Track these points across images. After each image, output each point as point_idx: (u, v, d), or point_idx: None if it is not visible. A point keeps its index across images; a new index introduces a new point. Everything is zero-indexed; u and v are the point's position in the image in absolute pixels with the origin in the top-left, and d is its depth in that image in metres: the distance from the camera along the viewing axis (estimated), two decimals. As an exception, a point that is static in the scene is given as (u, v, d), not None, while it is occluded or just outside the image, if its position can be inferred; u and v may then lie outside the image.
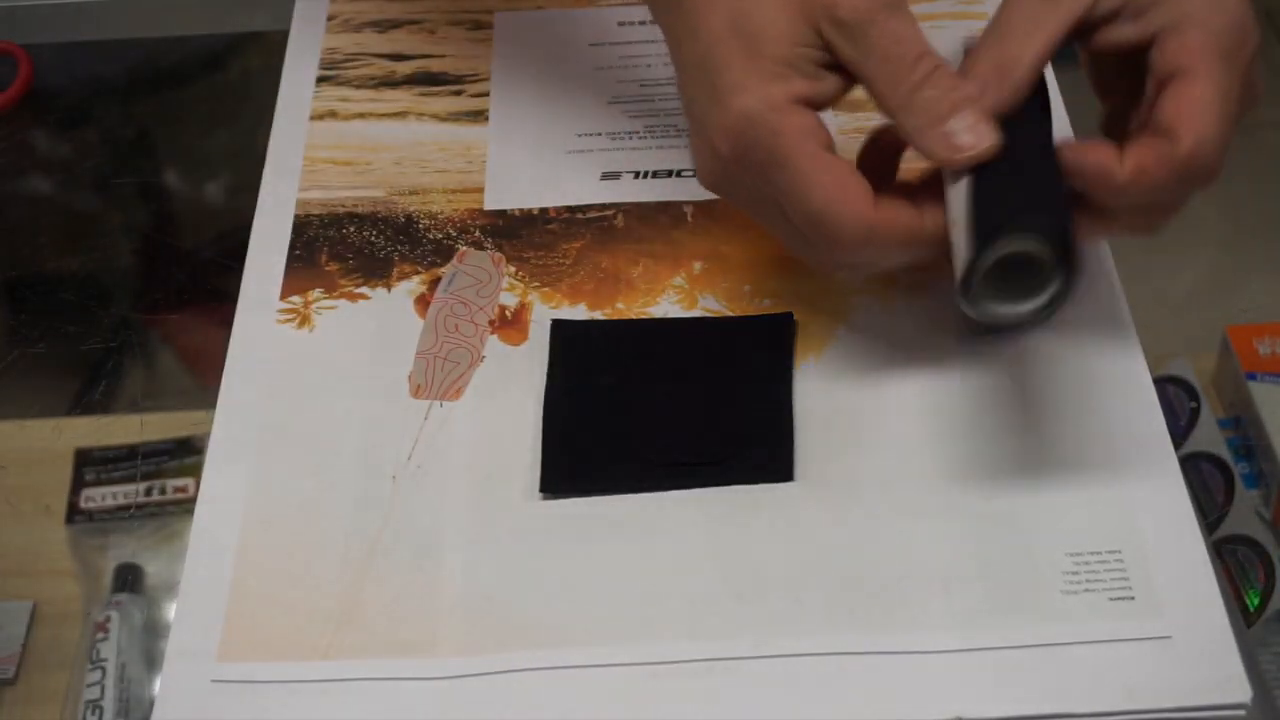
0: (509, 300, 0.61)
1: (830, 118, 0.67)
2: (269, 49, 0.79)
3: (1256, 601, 0.61)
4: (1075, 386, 0.57)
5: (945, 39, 0.70)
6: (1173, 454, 0.55)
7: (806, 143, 0.51)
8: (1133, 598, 0.51)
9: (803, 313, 0.60)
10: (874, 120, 0.67)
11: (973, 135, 0.50)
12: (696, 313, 0.60)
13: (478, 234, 0.64)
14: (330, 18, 0.74)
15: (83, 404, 0.68)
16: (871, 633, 0.51)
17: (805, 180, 0.51)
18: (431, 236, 0.64)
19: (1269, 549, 0.62)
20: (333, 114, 0.69)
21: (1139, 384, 0.57)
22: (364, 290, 0.62)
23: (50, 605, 0.61)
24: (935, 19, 0.71)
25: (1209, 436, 0.65)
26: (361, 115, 0.69)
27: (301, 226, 0.65)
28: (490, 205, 0.65)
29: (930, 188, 0.53)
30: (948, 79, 0.51)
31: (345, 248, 0.64)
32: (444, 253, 0.63)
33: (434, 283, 0.62)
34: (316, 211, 0.65)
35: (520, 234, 0.64)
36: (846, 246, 0.51)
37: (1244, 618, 0.60)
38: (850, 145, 0.66)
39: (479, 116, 0.69)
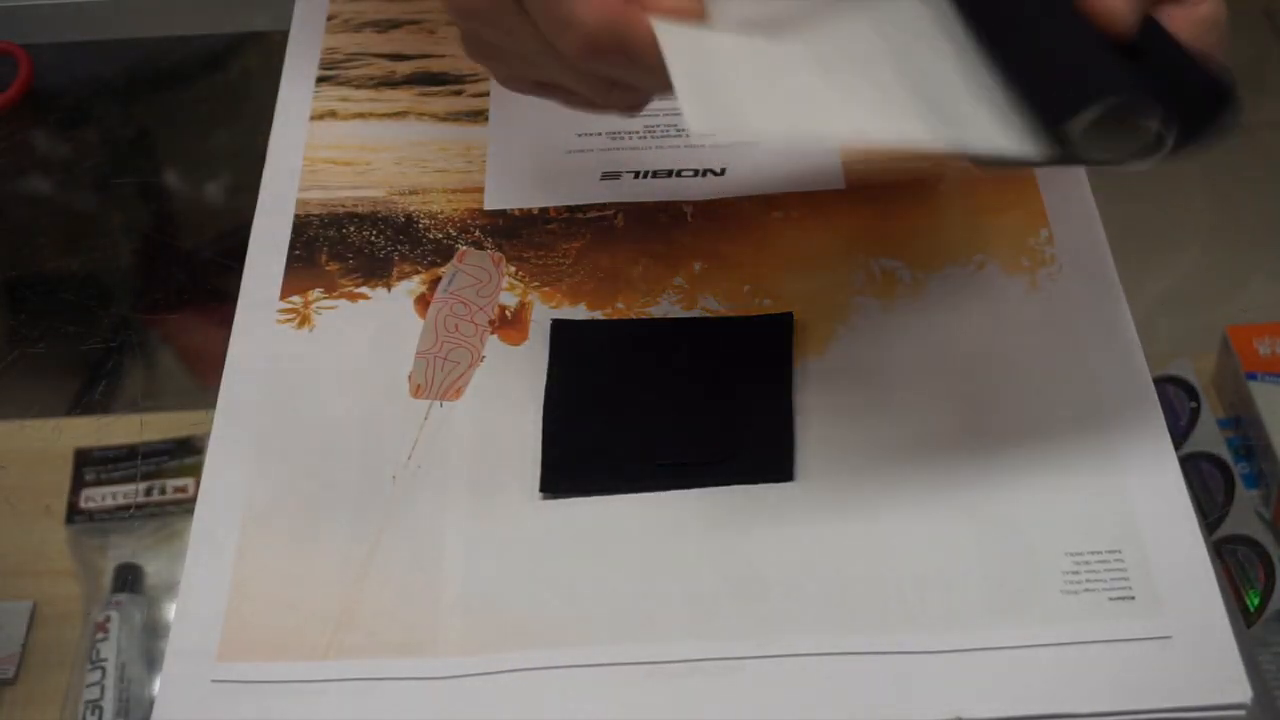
0: (509, 300, 0.61)
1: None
2: (269, 49, 0.79)
3: (1256, 601, 0.61)
4: (1075, 386, 0.57)
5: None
6: (1173, 454, 0.55)
7: None
8: (1133, 598, 0.51)
9: (803, 313, 0.60)
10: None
11: None
12: (696, 313, 0.60)
13: (478, 234, 0.64)
14: (330, 18, 0.74)
15: (83, 404, 0.68)
16: (871, 633, 0.51)
17: None
18: (431, 236, 0.64)
19: (1269, 549, 0.62)
20: (333, 114, 0.69)
21: (1139, 384, 0.57)
22: (364, 290, 0.62)
23: (50, 605, 0.61)
24: (935, 19, 0.71)
25: (1209, 436, 0.65)
26: (361, 115, 0.69)
27: (301, 226, 0.65)
28: (490, 205, 0.65)
29: None
30: None
31: (345, 248, 0.64)
32: (444, 253, 0.63)
33: (434, 283, 0.62)
34: (316, 211, 0.65)
35: (520, 234, 0.64)
36: (582, 33, 0.45)
37: (1244, 618, 0.60)
38: (851, 145, 0.66)
39: (479, 116, 0.69)
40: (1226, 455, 0.65)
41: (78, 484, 0.65)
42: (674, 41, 0.45)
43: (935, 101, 0.46)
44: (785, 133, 0.43)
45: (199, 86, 0.83)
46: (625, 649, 0.51)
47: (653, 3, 0.46)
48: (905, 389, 0.57)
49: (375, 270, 0.63)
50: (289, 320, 0.61)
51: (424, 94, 0.70)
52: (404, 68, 0.71)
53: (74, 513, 0.64)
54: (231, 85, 0.83)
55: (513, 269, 0.62)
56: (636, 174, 0.66)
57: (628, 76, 0.48)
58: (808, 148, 0.43)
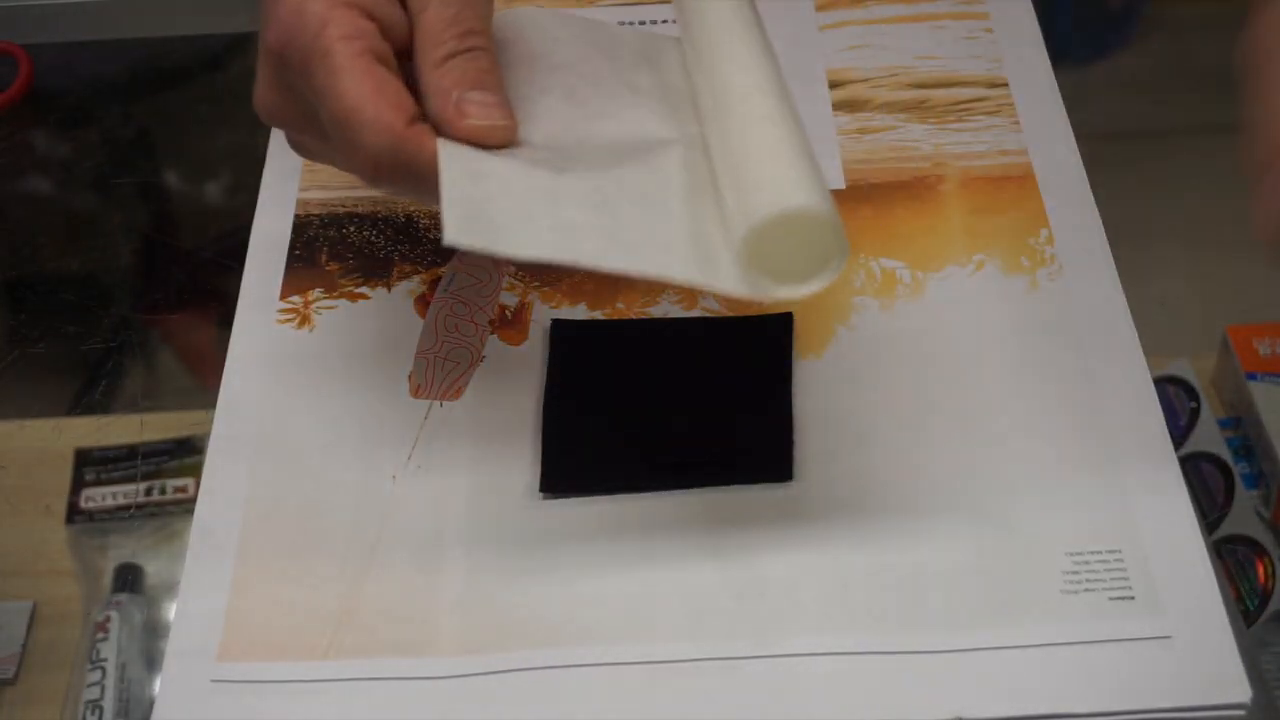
0: (509, 300, 0.61)
1: (830, 118, 0.67)
2: (269, 49, 0.78)
3: (1256, 601, 0.61)
4: (1075, 386, 0.57)
5: (945, 39, 0.71)
6: (1173, 454, 0.55)
7: (353, 41, 0.48)
8: (1133, 597, 0.51)
9: (803, 313, 0.60)
10: (875, 120, 0.67)
11: (483, 110, 0.49)
12: (696, 313, 0.60)
13: (478, 234, 0.64)
14: (330, 18, 0.74)
15: (83, 404, 0.68)
16: (871, 633, 0.51)
17: (340, 75, 0.47)
18: (431, 236, 0.64)
19: (1269, 549, 0.62)
20: (333, 114, 0.69)
21: (1139, 384, 0.57)
22: (364, 290, 0.62)
23: (50, 605, 0.61)
24: (935, 19, 0.71)
25: (1209, 436, 0.65)
26: (361, 115, 0.69)
27: (301, 226, 0.65)
28: (490, 205, 0.65)
29: None
30: (488, 60, 0.50)
31: (345, 247, 0.64)
32: (444, 253, 0.63)
33: (434, 283, 0.62)
34: (316, 211, 0.65)
35: (520, 234, 0.64)
36: (368, 156, 0.48)
37: (1244, 618, 0.60)
38: (851, 145, 0.66)
39: (479, 116, 0.69)
40: (1226, 455, 0.65)
41: (78, 484, 0.65)
42: (453, 161, 0.47)
43: (701, 240, 0.48)
44: (539, 256, 0.46)
45: (199, 86, 0.83)
46: (625, 649, 0.51)
47: (459, 126, 0.48)
48: (905, 389, 0.57)
49: (375, 270, 0.63)
50: (289, 320, 0.61)
51: (424, 94, 0.70)
52: (404, 68, 0.71)
53: (74, 513, 0.64)
54: (231, 85, 0.83)
55: (513, 269, 0.62)
56: (636, 174, 0.65)
57: (415, 193, 0.50)
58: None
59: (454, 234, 0.45)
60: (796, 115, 0.49)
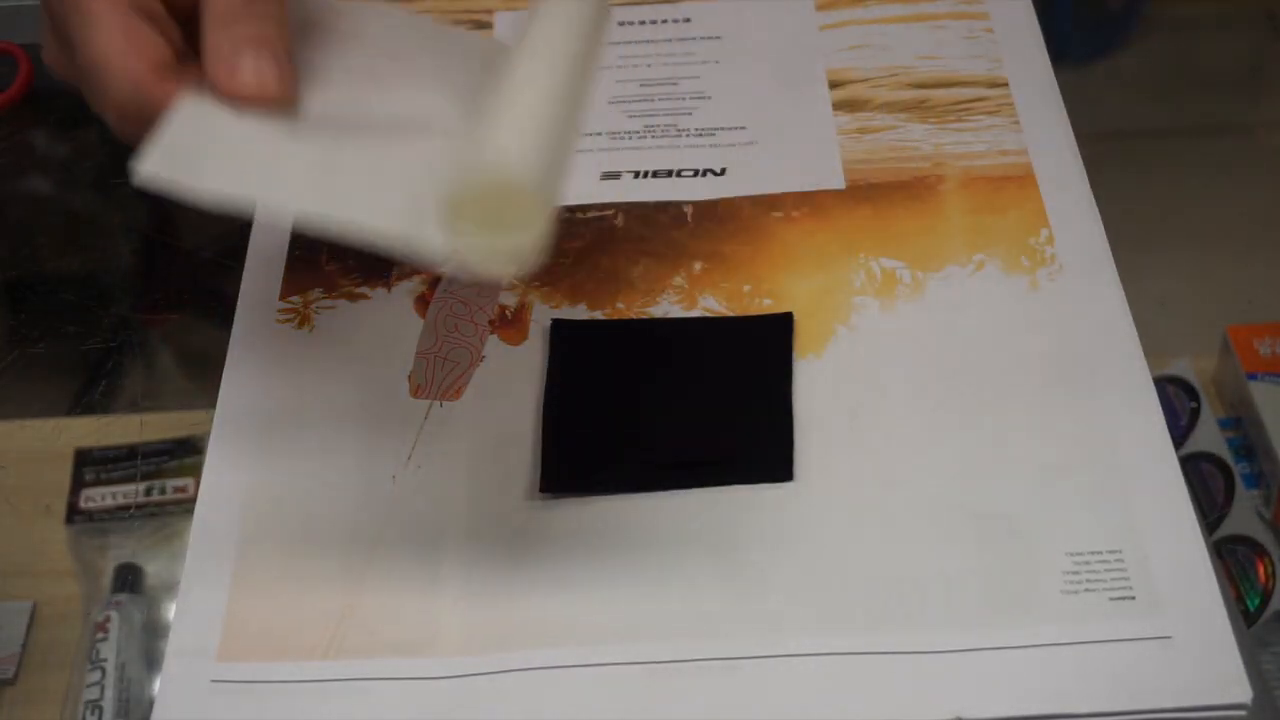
0: (509, 300, 0.61)
1: (830, 118, 0.67)
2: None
3: (1256, 601, 0.61)
4: (1075, 386, 0.57)
5: (945, 39, 0.71)
6: (1173, 454, 0.55)
7: None
8: (1133, 598, 0.51)
9: (803, 312, 0.60)
10: (875, 120, 0.67)
11: (254, 73, 0.48)
12: (696, 313, 0.60)
13: (478, 234, 0.64)
14: (330, 18, 0.74)
15: (83, 404, 0.68)
16: (871, 633, 0.51)
17: (92, 25, 0.48)
18: (431, 236, 0.64)
19: (1269, 549, 0.62)
20: (333, 114, 0.69)
21: (1139, 384, 0.57)
22: (364, 290, 0.62)
23: (50, 605, 0.61)
24: (935, 19, 0.71)
25: (1209, 436, 0.65)
26: (361, 115, 0.69)
27: (301, 226, 0.65)
28: (490, 205, 0.65)
29: None
30: (272, 24, 0.49)
31: (345, 247, 0.64)
32: (444, 253, 0.63)
33: (434, 283, 0.62)
34: (316, 211, 0.65)
35: (520, 234, 0.64)
36: (112, 104, 0.48)
37: (1244, 618, 0.60)
38: (851, 145, 0.66)
39: (479, 116, 0.69)
40: (1226, 455, 0.65)
41: (78, 484, 0.65)
42: (185, 109, 0.47)
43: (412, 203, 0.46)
44: (226, 194, 0.46)
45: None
46: (625, 649, 0.51)
47: (226, 86, 0.48)
48: (905, 389, 0.57)
49: (375, 270, 0.63)
50: (289, 320, 0.61)
51: (424, 94, 0.70)
52: (404, 68, 0.71)
53: (74, 513, 0.64)
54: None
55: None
56: (636, 174, 0.66)
57: None
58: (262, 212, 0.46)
59: (149, 167, 0.45)
60: (573, 109, 0.47)
